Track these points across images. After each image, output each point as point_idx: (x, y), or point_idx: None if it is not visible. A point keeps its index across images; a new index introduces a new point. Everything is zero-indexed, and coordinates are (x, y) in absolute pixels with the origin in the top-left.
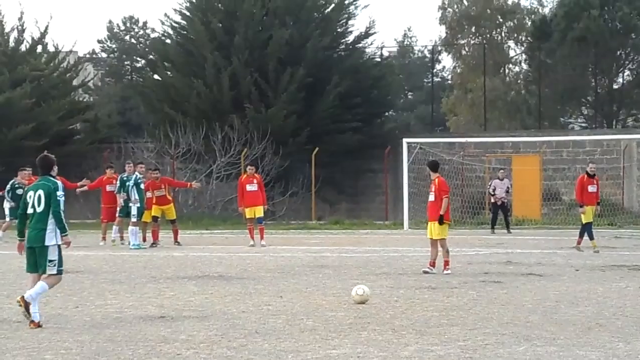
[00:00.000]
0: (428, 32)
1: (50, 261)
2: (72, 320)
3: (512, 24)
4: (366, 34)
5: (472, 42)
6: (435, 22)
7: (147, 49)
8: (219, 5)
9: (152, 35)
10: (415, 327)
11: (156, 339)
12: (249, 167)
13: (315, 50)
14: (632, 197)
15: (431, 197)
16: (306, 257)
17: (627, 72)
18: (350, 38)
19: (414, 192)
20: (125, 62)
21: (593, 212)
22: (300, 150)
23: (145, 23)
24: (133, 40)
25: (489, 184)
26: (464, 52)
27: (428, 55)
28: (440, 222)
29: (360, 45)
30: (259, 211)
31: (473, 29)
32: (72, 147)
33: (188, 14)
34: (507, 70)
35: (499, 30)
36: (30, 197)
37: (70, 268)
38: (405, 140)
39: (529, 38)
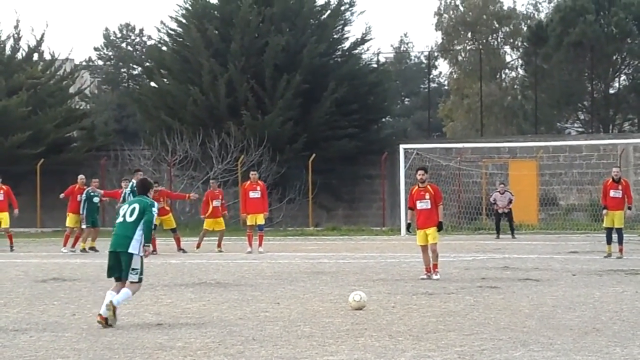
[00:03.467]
0: (424, 38)
1: (133, 269)
2: (69, 328)
3: (508, 29)
4: (362, 40)
5: (468, 47)
6: (432, 28)
7: (143, 56)
8: (215, 12)
9: (149, 43)
10: (412, 333)
11: (153, 347)
12: (252, 172)
13: (312, 56)
14: None
15: (425, 205)
16: (303, 263)
17: (623, 77)
18: (347, 44)
19: None
20: (122, 70)
21: (621, 217)
22: (297, 157)
23: (141, 30)
24: (129, 48)
25: (491, 195)
26: (460, 58)
27: (424, 61)
28: (440, 228)
29: (356, 51)
30: (260, 219)
31: (469, 35)
32: (68, 155)
33: (184, 21)
34: (503, 76)
35: (495, 35)
36: (123, 209)
37: (67, 276)
38: (402, 146)
39: (525, 43)
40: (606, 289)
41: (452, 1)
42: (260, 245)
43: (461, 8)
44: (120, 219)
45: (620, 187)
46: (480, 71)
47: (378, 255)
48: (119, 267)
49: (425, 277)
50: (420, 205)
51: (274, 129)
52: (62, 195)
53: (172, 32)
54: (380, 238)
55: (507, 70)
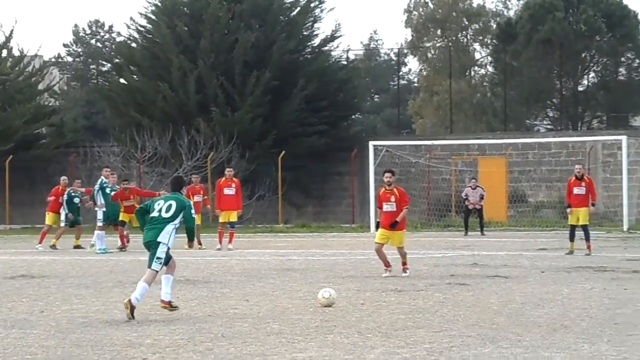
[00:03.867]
0: (394, 35)
1: (158, 258)
2: (37, 325)
3: (477, 26)
4: (332, 37)
5: (437, 44)
6: (401, 25)
7: (112, 53)
8: (185, 8)
9: (118, 39)
10: (381, 329)
11: (122, 344)
12: (227, 169)
13: (281, 53)
14: (598, 198)
15: (391, 207)
16: (273, 260)
17: (591, 74)
18: (316, 41)
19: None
20: (91, 66)
21: (585, 214)
22: (267, 154)
23: (111, 27)
24: (99, 44)
25: (462, 191)
26: (429, 55)
27: (394, 58)
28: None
29: (326, 48)
30: (233, 216)
31: (439, 32)
32: (37, 152)
33: (154, 17)
34: (472, 73)
35: (464, 32)
36: (159, 204)
37: (36, 273)
38: (371, 143)
39: (494, 40)
40: (574, 285)
41: None
42: (230, 242)
43: (431, 5)
44: (155, 214)
45: (583, 184)
46: (449, 68)
47: (347, 252)
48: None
49: (387, 274)
50: (386, 207)
51: (244, 125)
52: (49, 198)
53: (142, 29)
54: (350, 235)
55: (476, 68)
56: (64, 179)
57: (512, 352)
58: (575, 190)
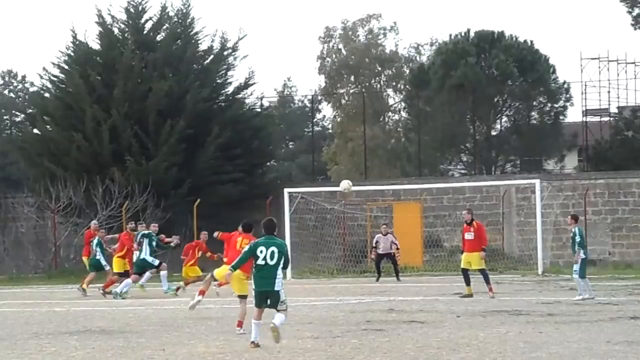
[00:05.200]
0: (308, 81)
1: (282, 302)
2: None
3: (390, 72)
4: (246, 85)
5: (351, 91)
6: (315, 72)
7: (26, 103)
8: (98, 58)
9: (31, 89)
10: None
11: None
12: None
13: (195, 101)
14: (512, 242)
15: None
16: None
17: (504, 119)
18: (230, 89)
19: (297, 241)
20: (4, 117)
21: (477, 259)
22: (182, 202)
23: (24, 77)
24: (12, 95)
25: (374, 238)
26: (343, 101)
27: (308, 105)
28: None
29: (240, 96)
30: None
31: (352, 78)
32: None
33: (67, 67)
34: (386, 119)
35: (378, 78)
36: (262, 252)
37: None
38: (286, 190)
39: (407, 86)
40: (490, 329)
41: (335, 45)
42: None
43: (344, 52)
44: (261, 262)
45: (472, 229)
46: (363, 114)
47: None
48: (265, 302)
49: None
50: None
51: (159, 174)
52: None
53: (55, 79)
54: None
55: (390, 113)
56: (94, 223)
57: None
58: (466, 236)
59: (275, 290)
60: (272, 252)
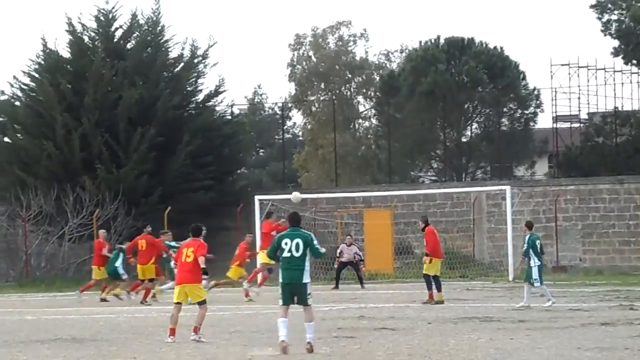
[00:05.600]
0: (278, 89)
1: (309, 294)
2: None
3: (360, 79)
4: (216, 92)
5: (321, 98)
6: (285, 79)
7: None
8: (68, 66)
9: (1, 98)
10: None
11: None
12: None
13: (166, 109)
14: (483, 249)
15: (189, 259)
16: (160, 317)
17: (475, 125)
18: (201, 96)
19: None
20: None
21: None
22: (153, 210)
23: None
24: None
25: (338, 249)
26: (314, 109)
27: (279, 112)
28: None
29: (210, 103)
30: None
31: (322, 85)
32: None
33: (37, 75)
34: (357, 126)
35: (348, 86)
36: (287, 244)
37: None
38: (257, 198)
39: (377, 93)
40: (461, 336)
41: (305, 52)
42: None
43: (314, 59)
44: (286, 254)
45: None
46: (334, 121)
47: (234, 307)
48: (292, 299)
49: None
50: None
51: (129, 182)
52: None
53: (25, 87)
54: (237, 290)
55: (360, 120)
56: (102, 232)
57: None
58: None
59: (303, 283)
60: (297, 244)
